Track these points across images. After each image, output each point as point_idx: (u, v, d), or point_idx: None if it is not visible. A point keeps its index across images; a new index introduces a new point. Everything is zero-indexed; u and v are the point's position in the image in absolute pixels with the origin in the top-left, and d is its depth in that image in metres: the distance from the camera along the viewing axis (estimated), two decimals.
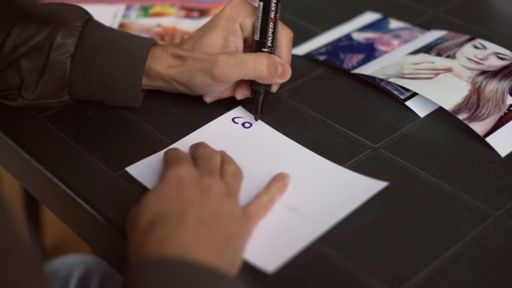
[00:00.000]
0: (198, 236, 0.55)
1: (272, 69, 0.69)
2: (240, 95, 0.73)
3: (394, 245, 0.60)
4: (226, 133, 0.72)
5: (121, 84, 0.72)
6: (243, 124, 0.73)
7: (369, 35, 0.88)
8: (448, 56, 0.80)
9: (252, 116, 0.74)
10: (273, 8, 0.70)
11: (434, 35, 0.85)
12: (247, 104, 0.75)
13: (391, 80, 0.76)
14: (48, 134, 0.73)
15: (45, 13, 0.53)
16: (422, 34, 0.86)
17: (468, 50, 0.81)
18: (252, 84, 0.72)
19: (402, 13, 0.93)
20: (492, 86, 0.75)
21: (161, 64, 0.71)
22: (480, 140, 0.70)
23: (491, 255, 0.59)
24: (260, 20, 0.71)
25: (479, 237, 0.61)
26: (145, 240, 0.54)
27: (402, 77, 0.77)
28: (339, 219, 0.62)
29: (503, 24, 0.94)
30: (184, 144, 0.70)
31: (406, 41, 0.85)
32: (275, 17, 0.71)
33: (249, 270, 0.58)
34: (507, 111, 0.72)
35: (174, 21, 0.94)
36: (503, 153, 0.69)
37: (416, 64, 0.79)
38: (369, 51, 0.84)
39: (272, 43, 0.71)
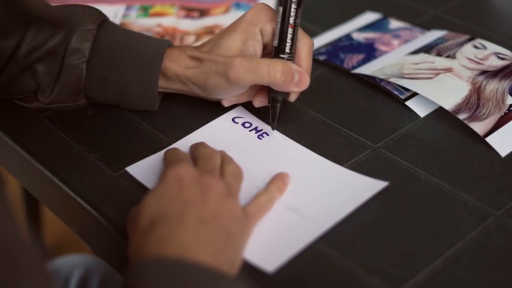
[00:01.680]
0: (198, 236, 0.55)
1: (287, 76, 0.67)
2: (259, 102, 0.72)
3: (394, 245, 0.60)
4: (226, 133, 0.72)
5: (137, 88, 0.72)
6: (243, 124, 0.73)
7: (369, 35, 0.88)
8: (448, 56, 0.80)
9: (252, 116, 0.74)
10: (292, 14, 0.68)
11: (434, 35, 0.85)
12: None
13: (391, 80, 0.76)
14: (48, 134, 0.73)
15: (58, 16, 0.53)
16: (422, 34, 0.86)
17: (468, 50, 0.81)
18: (269, 91, 0.70)
19: (402, 13, 0.93)
20: (492, 86, 0.75)
21: (179, 65, 0.71)
22: (480, 140, 0.70)
23: (491, 255, 0.59)
24: (279, 26, 0.69)
25: (480, 237, 0.61)
26: (146, 240, 0.54)
27: (402, 77, 0.77)
28: (339, 219, 0.62)
29: (503, 24, 0.94)
30: (184, 144, 0.70)
31: (406, 41, 0.85)
32: (294, 22, 0.68)
33: (249, 270, 0.58)
34: (507, 111, 0.72)
35: (174, 21, 0.94)
36: (503, 153, 0.69)
37: (416, 64, 0.79)
38: (369, 51, 0.84)
39: (290, 49, 0.69)
